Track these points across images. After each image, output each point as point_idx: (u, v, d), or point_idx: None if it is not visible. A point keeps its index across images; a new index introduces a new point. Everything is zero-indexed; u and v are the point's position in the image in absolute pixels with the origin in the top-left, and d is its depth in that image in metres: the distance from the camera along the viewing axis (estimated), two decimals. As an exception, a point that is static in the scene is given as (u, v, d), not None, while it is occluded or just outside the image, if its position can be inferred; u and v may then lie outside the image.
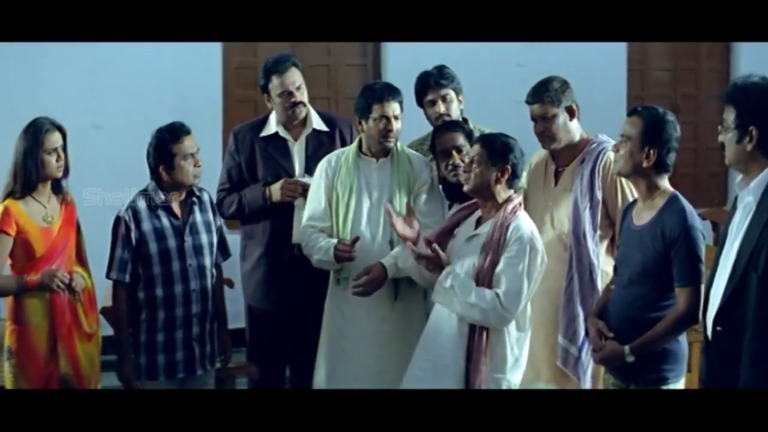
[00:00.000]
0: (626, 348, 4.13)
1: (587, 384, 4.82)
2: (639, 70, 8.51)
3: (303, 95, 5.32)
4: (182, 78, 7.32)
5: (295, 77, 5.28)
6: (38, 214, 4.70)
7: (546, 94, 4.83)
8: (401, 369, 4.64)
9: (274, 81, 5.28)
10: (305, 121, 5.38)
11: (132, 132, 6.92)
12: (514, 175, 4.48)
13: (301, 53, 7.68)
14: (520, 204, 4.51)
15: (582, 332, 4.76)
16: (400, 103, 4.89)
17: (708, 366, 3.81)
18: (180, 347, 4.78)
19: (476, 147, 4.52)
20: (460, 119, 5.22)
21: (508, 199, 4.48)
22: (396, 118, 4.86)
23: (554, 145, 4.90)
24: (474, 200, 4.60)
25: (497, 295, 4.32)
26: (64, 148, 4.74)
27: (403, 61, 7.51)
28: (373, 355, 4.88)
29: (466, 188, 4.55)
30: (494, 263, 4.38)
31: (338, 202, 4.91)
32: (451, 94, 5.22)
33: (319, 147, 5.35)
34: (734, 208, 3.74)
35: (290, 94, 5.26)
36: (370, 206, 4.90)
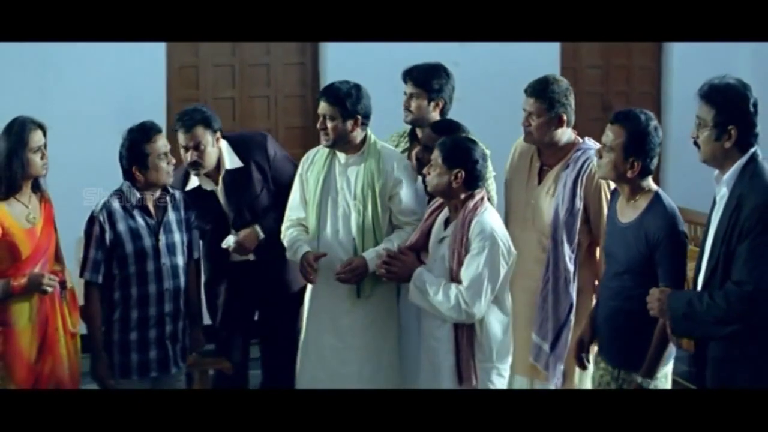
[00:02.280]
0: (639, 379, 4.19)
1: (558, 379, 4.91)
2: (572, 67, 8.56)
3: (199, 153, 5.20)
4: (126, 78, 7.30)
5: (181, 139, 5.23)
6: (21, 215, 4.63)
7: (542, 94, 4.84)
8: (361, 362, 4.80)
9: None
10: (219, 165, 5.33)
11: (78, 132, 7.03)
12: (472, 178, 4.49)
13: (241, 53, 7.81)
14: (482, 199, 4.53)
15: (552, 332, 4.86)
16: (331, 104, 4.86)
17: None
18: (153, 346, 4.77)
19: (435, 150, 4.55)
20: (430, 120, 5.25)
21: (469, 197, 4.51)
22: (325, 117, 4.87)
23: (532, 141, 4.95)
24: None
25: (460, 291, 4.40)
26: (45, 145, 4.68)
27: (342, 60, 7.60)
28: (332, 347, 4.96)
29: (428, 190, 4.64)
30: (461, 262, 4.46)
31: (310, 195, 4.99)
32: (422, 94, 5.27)
33: (236, 187, 5.35)
34: (714, 203, 3.87)
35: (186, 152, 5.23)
36: (335, 201, 4.95)
